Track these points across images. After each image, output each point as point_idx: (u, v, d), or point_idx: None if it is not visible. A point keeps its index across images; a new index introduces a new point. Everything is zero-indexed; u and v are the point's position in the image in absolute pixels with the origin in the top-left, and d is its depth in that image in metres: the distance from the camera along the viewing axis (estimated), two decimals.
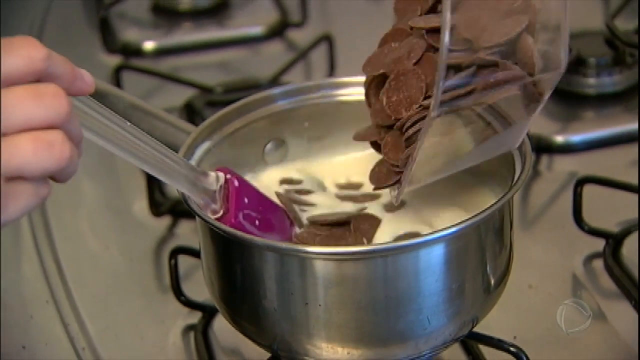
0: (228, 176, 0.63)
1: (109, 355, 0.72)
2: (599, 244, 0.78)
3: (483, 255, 0.63)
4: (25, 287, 0.79)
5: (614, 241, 0.78)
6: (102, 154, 0.77)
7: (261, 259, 0.60)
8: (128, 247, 0.82)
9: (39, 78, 0.49)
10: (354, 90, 0.72)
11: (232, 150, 0.69)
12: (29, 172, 0.49)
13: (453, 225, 0.60)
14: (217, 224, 0.61)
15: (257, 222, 0.64)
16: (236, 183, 0.63)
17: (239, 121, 0.70)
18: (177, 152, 0.65)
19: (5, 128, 0.48)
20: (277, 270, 0.60)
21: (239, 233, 0.61)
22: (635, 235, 0.77)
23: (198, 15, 1.10)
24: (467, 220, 0.60)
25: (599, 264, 0.77)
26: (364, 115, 0.72)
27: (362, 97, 0.70)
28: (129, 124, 0.56)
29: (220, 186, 0.62)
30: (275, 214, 0.66)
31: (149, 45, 1.06)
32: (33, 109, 0.49)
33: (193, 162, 0.66)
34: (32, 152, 0.49)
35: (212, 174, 0.62)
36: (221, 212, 0.62)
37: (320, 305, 0.60)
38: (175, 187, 0.60)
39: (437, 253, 0.60)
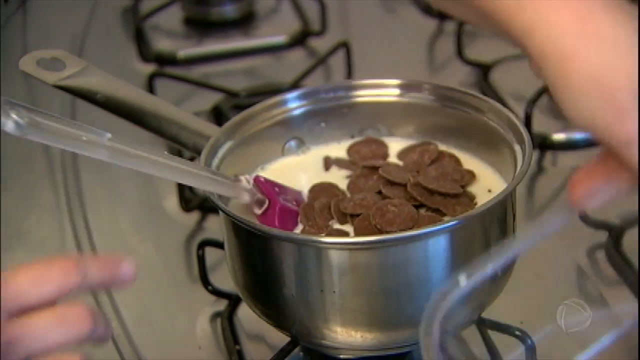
0: (253, 175, 0.65)
1: (142, 340, 0.72)
2: (602, 236, 0.77)
3: (488, 244, 0.62)
4: None
5: (616, 233, 0.77)
6: None
7: (279, 249, 0.60)
8: (160, 240, 0.82)
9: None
10: (368, 92, 0.71)
11: (252, 148, 0.69)
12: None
13: (459, 216, 0.59)
14: (239, 217, 0.61)
15: (294, 203, 0.66)
16: (262, 179, 0.65)
17: (259, 122, 0.70)
18: (201, 150, 0.66)
19: (28, 355, 0.48)
20: (294, 260, 0.60)
21: (259, 225, 0.61)
22: (636, 228, 0.76)
23: (226, 26, 1.10)
24: (472, 211, 0.60)
25: (601, 254, 0.76)
26: (377, 115, 0.72)
27: (376, 98, 0.70)
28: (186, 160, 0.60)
29: (252, 185, 0.64)
30: (295, 195, 0.67)
31: (180, 54, 1.07)
32: (55, 335, 0.49)
33: (216, 160, 0.66)
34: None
35: (242, 177, 0.64)
36: (266, 204, 0.63)
37: (335, 292, 0.60)
38: (226, 195, 0.63)
39: (444, 242, 0.60)
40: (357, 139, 0.72)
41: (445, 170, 0.67)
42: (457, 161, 0.69)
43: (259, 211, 0.64)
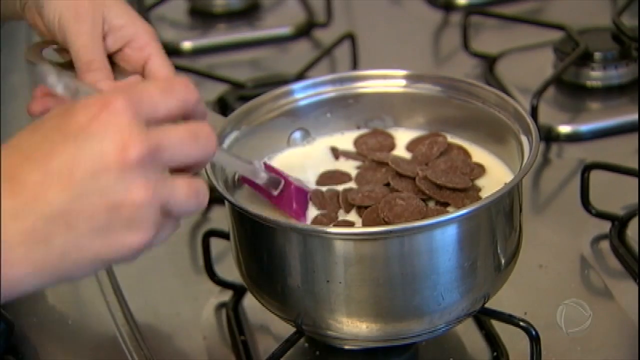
0: (263, 161, 0.66)
1: (147, 329, 0.72)
2: (605, 226, 0.77)
3: (494, 236, 0.62)
4: None
5: (619, 223, 0.77)
6: None
7: (285, 239, 0.60)
8: None
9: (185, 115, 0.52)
10: (374, 83, 0.71)
11: (258, 139, 0.69)
12: (177, 212, 0.51)
13: (465, 207, 0.59)
14: (245, 207, 0.61)
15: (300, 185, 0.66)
16: (270, 163, 0.66)
17: (264, 113, 0.70)
18: None
19: (168, 164, 0.51)
20: (300, 250, 0.60)
21: (264, 215, 0.61)
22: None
23: (231, 17, 1.10)
24: (478, 202, 0.60)
25: (605, 245, 0.76)
26: (382, 106, 0.72)
27: (381, 89, 0.70)
28: None
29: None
30: (300, 184, 0.67)
31: (186, 45, 1.06)
32: (190, 150, 0.51)
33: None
34: (185, 197, 0.51)
35: (255, 162, 0.64)
36: (282, 184, 0.64)
37: (340, 282, 0.60)
38: (244, 174, 0.63)
39: (450, 233, 0.60)
40: (363, 130, 0.72)
41: (454, 164, 0.67)
42: (466, 153, 0.69)
43: (275, 192, 0.63)
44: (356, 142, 0.71)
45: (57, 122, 0.50)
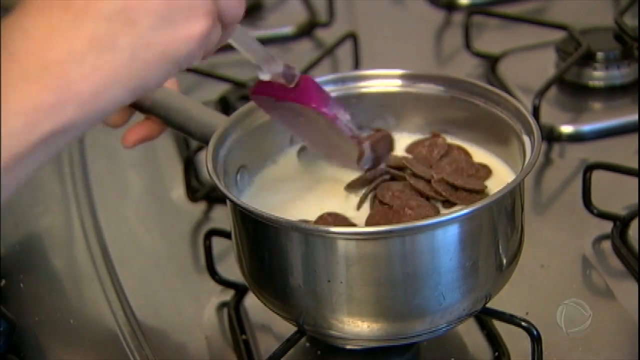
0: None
1: (149, 329, 0.72)
2: (607, 226, 0.77)
3: (495, 236, 0.62)
4: (74, 268, 0.79)
5: (621, 224, 0.77)
6: (145, 148, 0.77)
7: (286, 238, 0.60)
8: (167, 230, 0.82)
9: None
10: (375, 83, 0.71)
11: (260, 138, 0.69)
12: (225, 6, 0.52)
13: (467, 207, 0.59)
14: (247, 206, 0.61)
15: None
16: (274, 165, 0.66)
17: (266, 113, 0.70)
18: (209, 140, 0.66)
19: None
20: (301, 250, 0.60)
21: (266, 214, 0.60)
22: None
23: None
24: (480, 202, 0.60)
25: (607, 245, 0.76)
26: (384, 105, 0.72)
27: (383, 89, 0.70)
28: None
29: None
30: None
31: None
32: None
33: (224, 149, 0.66)
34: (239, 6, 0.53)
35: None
36: (297, 77, 0.62)
37: (341, 282, 0.60)
38: (262, 58, 0.62)
39: (451, 233, 0.60)
40: (366, 130, 0.72)
41: (459, 165, 0.67)
42: (467, 154, 0.69)
43: (292, 84, 0.62)
44: None
45: None
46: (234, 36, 0.58)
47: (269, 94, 0.63)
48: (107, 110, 0.49)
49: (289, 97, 0.62)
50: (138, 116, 0.70)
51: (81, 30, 0.48)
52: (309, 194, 0.68)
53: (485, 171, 0.67)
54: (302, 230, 0.60)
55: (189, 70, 0.98)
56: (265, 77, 0.61)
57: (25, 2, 0.49)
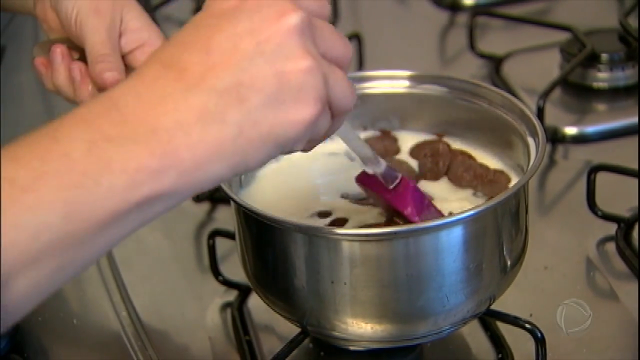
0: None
1: (152, 329, 0.72)
2: (611, 228, 0.77)
3: (499, 237, 0.62)
4: None
5: (626, 225, 0.76)
6: None
7: (290, 239, 0.60)
8: (170, 230, 0.82)
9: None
10: (379, 84, 0.71)
11: None
12: (336, 96, 0.52)
13: (471, 209, 0.59)
14: (251, 207, 0.61)
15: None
16: (277, 163, 0.66)
17: None
18: None
19: (319, 47, 0.51)
20: (305, 251, 0.60)
21: (270, 215, 0.60)
22: None
23: None
24: (484, 204, 0.60)
25: (611, 246, 0.76)
26: (388, 106, 0.72)
27: (387, 90, 0.69)
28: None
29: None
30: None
31: None
32: (337, 42, 0.52)
33: None
34: (343, 80, 0.52)
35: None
36: (398, 179, 0.62)
37: (345, 283, 0.59)
38: (369, 158, 0.62)
39: (455, 234, 0.59)
40: (370, 131, 0.72)
41: (477, 172, 0.67)
42: (470, 158, 0.69)
43: (391, 186, 0.62)
44: None
45: (207, 12, 0.51)
46: (340, 130, 0.57)
47: (370, 186, 0.64)
48: (205, 183, 0.50)
49: (386, 196, 0.63)
50: None
51: (192, 101, 0.48)
52: (310, 190, 0.67)
53: (504, 177, 0.67)
54: (305, 231, 0.60)
55: None
56: (369, 170, 0.62)
57: (143, 68, 0.50)
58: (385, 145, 0.71)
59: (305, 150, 0.53)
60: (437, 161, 0.68)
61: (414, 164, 0.70)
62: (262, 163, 0.51)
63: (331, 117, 0.53)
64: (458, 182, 0.67)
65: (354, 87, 0.53)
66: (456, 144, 0.70)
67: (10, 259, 0.45)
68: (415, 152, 0.70)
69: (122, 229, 0.48)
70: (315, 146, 0.54)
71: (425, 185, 0.68)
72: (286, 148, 0.51)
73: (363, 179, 0.64)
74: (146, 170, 0.47)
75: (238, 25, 0.49)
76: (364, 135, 0.72)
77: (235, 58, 0.49)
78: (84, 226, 0.47)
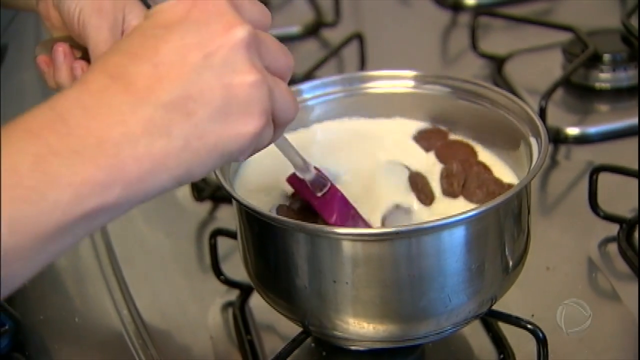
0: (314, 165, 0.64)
1: (153, 328, 0.72)
2: (613, 229, 0.77)
3: (502, 238, 0.62)
4: (79, 266, 0.79)
5: (628, 226, 0.76)
6: None
7: (292, 239, 0.60)
8: (172, 229, 0.82)
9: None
10: (381, 83, 0.71)
11: None
12: (280, 107, 0.52)
13: (473, 209, 0.59)
14: (253, 206, 0.61)
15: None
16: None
17: None
18: None
19: (264, 61, 0.52)
20: (307, 250, 0.60)
21: (272, 215, 0.60)
22: None
23: None
24: (487, 204, 0.60)
25: (613, 247, 0.76)
26: (390, 106, 0.72)
27: (389, 90, 0.69)
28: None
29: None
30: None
31: None
32: (281, 56, 0.53)
33: None
34: (287, 92, 0.53)
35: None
36: (327, 188, 0.63)
37: (347, 283, 0.59)
38: (297, 164, 0.62)
39: (458, 235, 0.59)
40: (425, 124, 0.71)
41: (489, 189, 0.66)
42: (473, 152, 0.69)
43: (319, 193, 0.63)
44: None
45: (154, 21, 0.51)
46: (278, 141, 0.58)
47: (299, 189, 0.64)
48: (149, 195, 0.50)
49: (313, 202, 0.63)
50: None
51: (139, 114, 0.48)
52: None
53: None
54: (308, 230, 0.60)
55: None
56: (299, 175, 0.63)
57: (89, 77, 0.50)
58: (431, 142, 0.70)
59: (245, 158, 0.54)
60: (451, 182, 0.68)
61: (436, 176, 0.69)
62: (207, 173, 0.52)
63: (274, 127, 0.53)
64: (471, 198, 0.67)
65: (295, 98, 0.54)
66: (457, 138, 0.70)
67: None
68: (419, 139, 0.70)
69: (66, 241, 0.49)
70: (256, 153, 0.55)
71: (446, 203, 0.67)
72: (231, 159, 0.52)
73: (294, 181, 0.64)
74: (92, 183, 0.47)
75: (186, 37, 0.49)
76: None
77: (182, 71, 0.49)
78: (28, 240, 0.47)
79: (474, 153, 0.69)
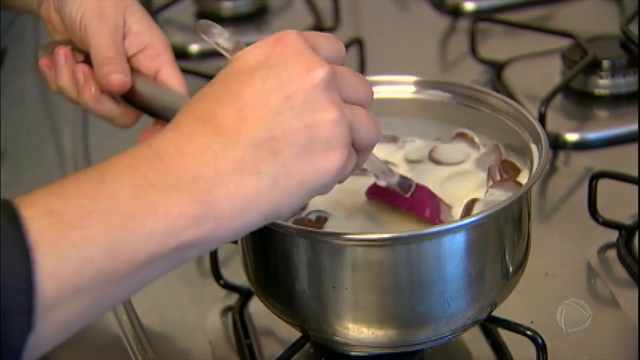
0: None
1: (152, 332, 0.72)
2: (613, 235, 0.77)
3: (502, 244, 0.62)
4: None
5: (627, 232, 0.76)
6: None
7: (292, 244, 0.60)
8: None
9: None
10: (382, 89, 0.71)
11: None
12: (361, 137, 0.54)
13: (473, 215, 0.59)
14: None
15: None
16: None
17: None
18: None
19: (342, 95, 0.54)
20: (307, 255, 0.60)
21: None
22: None
23: (239, 20, 1.10)
24: (487, 210, 0.60)
25: (612, 253, 0.76)
26: (390, 112, 0.72)
27: (390, 95, 0.70)
28: None
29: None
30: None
31: (193, 48, 1.06)
32: (359, 87, 0.55)
33: None
34: (367, 121, 0.54)
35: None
36: (413, 187, 0.63)
37: (347, 288, 0.59)
38: (383, 177, 0.63)
39: (457, 241, 0.59)
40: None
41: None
42: (472, 140, 0.69)
43: (407, 194, 0.63)
44: None
45: (234, 67, 0.53)
46: None
47: (384, 198, 0.64)
48: (238, 232, 0.52)
49: (403, 204, 0.64)
50: (145, 118, 0.69)
51: (230, 154, 0.51)
52: None
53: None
54: (308, 236, 0.60)
55: (194, 73, 0.99)
56: (381, 183, 0.63)
57: (180, 120, 0.52)
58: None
59: (329, 190, 0.55)
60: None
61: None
62: (294, 211, 0.55)
63: (357, 153, 0.55)
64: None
65: (377, 123, 0.55)
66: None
67: (50, 290, 0.47)
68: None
69: (157, 270, 0.50)
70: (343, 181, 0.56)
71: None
72: (317, 193, 0.54)
73: (374, 192, 0.64)
74: (187, 216, 0.49)
75: (267, 81, 0.52)
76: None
77: (266, 112, 0.51)
78: (124, 265, 0.49)
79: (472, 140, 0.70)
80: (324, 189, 0.53)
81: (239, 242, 0.65)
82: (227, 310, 0.74)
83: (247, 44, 1.14)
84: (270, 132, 0.51)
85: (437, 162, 0.69)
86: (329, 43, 0.55)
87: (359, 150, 0.55)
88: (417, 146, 0.71)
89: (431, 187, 0.65)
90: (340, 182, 0.55)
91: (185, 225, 0.49)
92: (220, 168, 0.50)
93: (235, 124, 0.51)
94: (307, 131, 0.51)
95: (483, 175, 0.67)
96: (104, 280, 0.48)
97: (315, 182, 0.52)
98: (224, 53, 0.60)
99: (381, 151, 0.69)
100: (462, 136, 0.70)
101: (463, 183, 0.67)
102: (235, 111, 0.51)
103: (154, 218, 0.49)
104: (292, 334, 0.66)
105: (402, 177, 0.63)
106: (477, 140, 0.69)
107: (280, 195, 0.51)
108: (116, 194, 0.49)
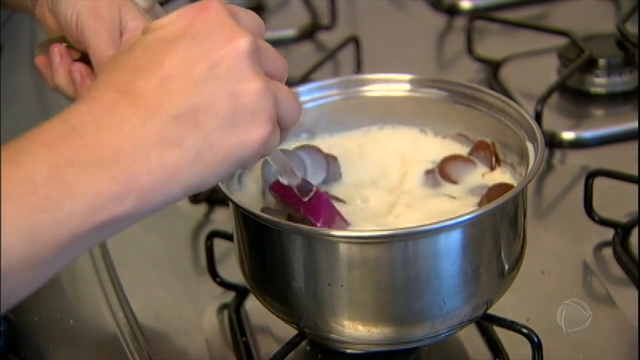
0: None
1: (148, 330, 0.72)
2: (609, 233, 0.77)
3: (497, 242, 0.62)
4: (74, 268, 0.79)
5: (623, 231, 0.77)
6: None
7: (288, 241, 0.60)
8: (167, 231, 0.82)
9: None
10: (377, 87, 0.71)
11: None
12: (284, 111, 0.53)
13: (469, 212, 0.59)
14: (249, 209, 0.61)
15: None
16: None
17: None
18: None
19: (264, 68, 0.53)
20: (302, 253, 0.60)
21: (268, 217, 0.60)
22: None
23: None
24: (483, 208, 0.60)
25: (608, 252, 0.76)
26: (387, 110, 0.72)
27: (386, 93, 0.70)
28: None
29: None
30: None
31: None
32: (279, 62, 0.54)
33: None
34: (289, 95, 0.54)
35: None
36: (312, 192, 0.63)
37: (342, 285, 0.60)
38: (284, 171, 0.63)
39: (453, 238, 0.60)
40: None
41: None
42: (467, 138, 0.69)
43: (305, 198, 0.63)
44: None
45: (157, 35, 0.52)
46: None
47: (283, 196, 0.65)
48: (161, 205, 0.51)
49: (300, 207, 0.64)
50: None
51: (150, 127, 0.49)
52: None
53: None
54: (304, 233, 0.60)
55: None
56: (284, 181, 0.63)
57: (98, 91, 0.51)
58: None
59: (253, 164, 0.55)
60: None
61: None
62: (217, 182, 0.53)
63: (280, 131, 0.54)
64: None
65: (299, 100, 0.55)
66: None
67: None
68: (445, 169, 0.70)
69: (77, 251, 0.49)
70: (264, 157, 0.56)
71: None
72: (241, 166, 0.53)
73: (277, 189, 0.65)
74: (107, 194, 0.48)
75: (190, 50, 0.51)
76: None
77: (189, 83, 0.50)
78: (44, 249, 0.48)
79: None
80: (248, 162, 0.52)
81: (235, 240, 0.65)
82: (223, 307, 0.74)
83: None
84: (193, 103, 0.50)
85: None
86: (250, 16, 0.54)
87: (281, 126, 0.54)
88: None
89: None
90: (264, 155, 0.54)
91: (106, 203, 0.48)
92: (140, 142, 0.49)
93: (157, 95, 0.50)
94: (231, 101, 0.50)
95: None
96: (24, 266, 0.47)
97: (239, 155, 0.51)
98: (143, 14, 0.60)
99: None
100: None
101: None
102: (157, 82, 0.50)
103: (73, 199, 0.47)
104: (288, 331, 0.66)
105: (304, 181, 0.63)
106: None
107: (203, 167, 0.50)
108: (32, 175, 0.47)
